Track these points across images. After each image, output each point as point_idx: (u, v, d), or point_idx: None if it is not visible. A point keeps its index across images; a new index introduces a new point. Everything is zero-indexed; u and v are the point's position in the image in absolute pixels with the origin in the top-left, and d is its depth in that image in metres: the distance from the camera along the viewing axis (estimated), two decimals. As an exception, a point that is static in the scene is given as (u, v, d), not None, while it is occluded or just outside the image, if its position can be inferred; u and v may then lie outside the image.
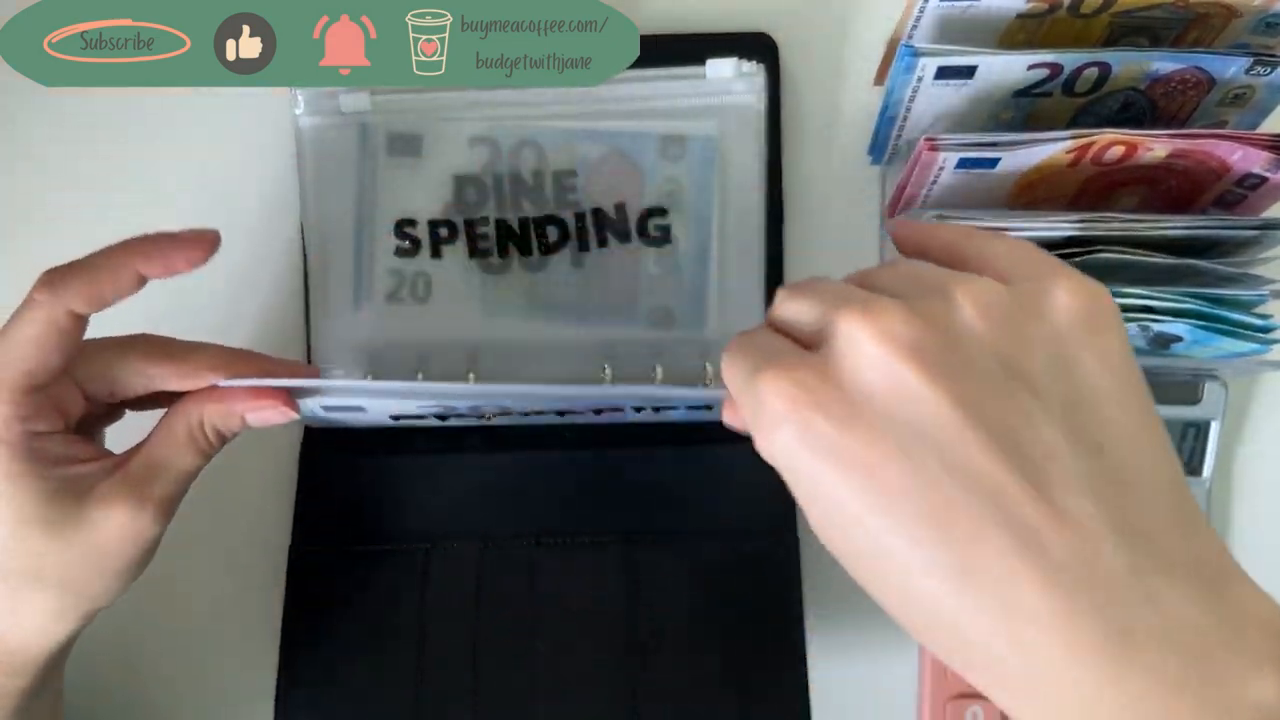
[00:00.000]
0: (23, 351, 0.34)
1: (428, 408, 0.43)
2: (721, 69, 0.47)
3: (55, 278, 0.35)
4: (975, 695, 0.46)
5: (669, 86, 0.48)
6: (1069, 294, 0.26)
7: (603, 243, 0.47)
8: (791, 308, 0.29)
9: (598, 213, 0.47)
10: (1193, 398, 0.45)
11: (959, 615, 0.24)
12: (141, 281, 0.36)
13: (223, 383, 0.37)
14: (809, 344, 0.28)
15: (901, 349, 0.25)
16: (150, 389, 0.38)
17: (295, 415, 0.39)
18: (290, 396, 0.39)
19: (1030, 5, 0.41)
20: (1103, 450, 0.25)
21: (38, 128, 0.51)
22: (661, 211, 0.47)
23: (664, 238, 0.47)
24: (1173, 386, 0.45)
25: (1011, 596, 0.23)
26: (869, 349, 0.25)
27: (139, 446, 0.38)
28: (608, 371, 0.47)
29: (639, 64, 0.47)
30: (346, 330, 0.47)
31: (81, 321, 0.35)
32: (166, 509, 0.37)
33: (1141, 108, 0.42)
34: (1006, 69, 0.40)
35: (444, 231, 0.47)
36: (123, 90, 0.51)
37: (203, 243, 0.38)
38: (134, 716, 0.47)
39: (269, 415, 0.38)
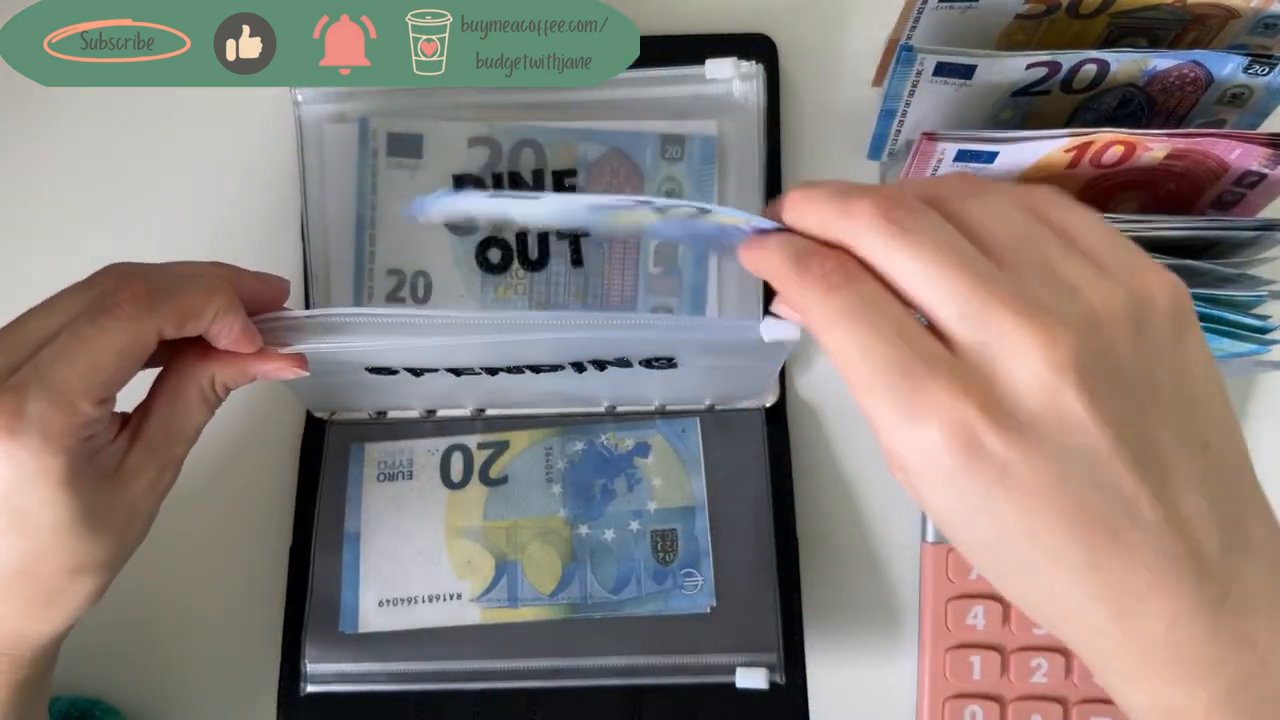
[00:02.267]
0: (103, 361, 0.32)
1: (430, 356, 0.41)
2: (720, 69, 0.47)
3: (151, 295, 0.33)
4: (974, 695, 0.46)
5: (668, 86, 0.48)
6: (1166, 292, 0.27)
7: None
8: (915, 268, 0.27)
9: None
10: (1191, 398, 0.45)
11: (1085, 604, 0.27)
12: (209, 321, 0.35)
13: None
14: (941, 326, 0.27)
15: (1070, 376, 0.25)
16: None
17: (305, 372, 0.38)
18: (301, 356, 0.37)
19: (1028, 6, 0.41)
20: (1209, 447, 0.27)
21: (38, 127, 0.51)
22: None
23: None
24: (1171, 386, 0.45)
25: (1129, 585, 0.26)
26: (1041, 374, 0.25)
27: (148, 409, 0.36)
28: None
29: (639, 64, 0.47)
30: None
31: (158, 344, 0.34)
32: (182, 462, 0.37)
33: (1140, 104, 0.43)
34: (1005, 69, 0.40)
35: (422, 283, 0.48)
36: (122, 90, 0.51)
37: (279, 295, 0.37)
38: (136, 714, 0.47)
39: (282, 374, 0.37)
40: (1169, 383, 0.27)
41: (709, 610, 0.45)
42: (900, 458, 0.27)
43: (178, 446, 0.36)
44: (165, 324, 0.33)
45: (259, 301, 0.36)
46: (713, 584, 0.45)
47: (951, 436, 0.26)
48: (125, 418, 0.36)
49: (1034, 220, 0.28)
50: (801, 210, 0.29)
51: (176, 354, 0.36)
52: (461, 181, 0.48)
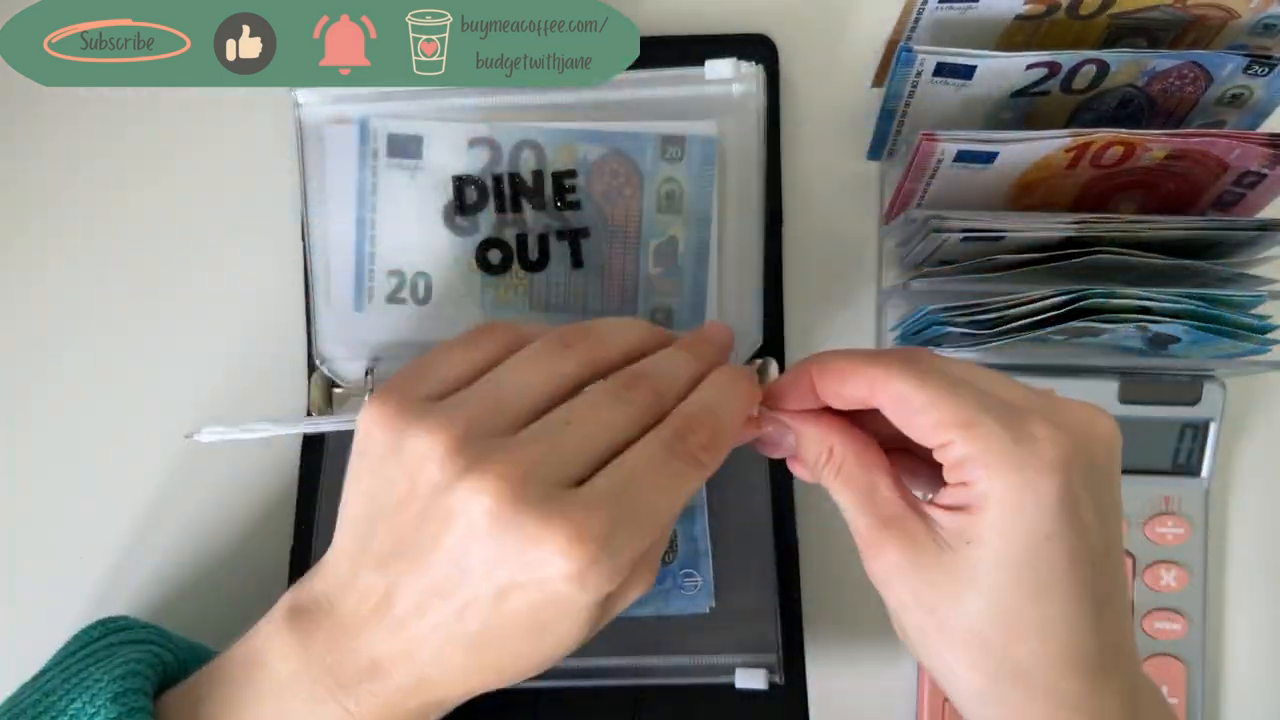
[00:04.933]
0: (675, 512, 0.33)
1: None
2: (720, 70, 0.47)
3: (717, 445, 0.33)
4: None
5: (668, 87, 0.48)
6: (1112, 428, 0.34)
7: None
8: (982, 374, 0.33)
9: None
10: (1191, 398, 0.45)
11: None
12: None
13: None
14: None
15: (1118, 456, 0.33)
16: None
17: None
18: None
19: (1028, 7, 0.41)
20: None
21: (39, 128, 0.51)
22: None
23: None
24: (1171, 387, 0.45)
25: (1107, 685, 0.31)
26: (1108, 441, 0.32)
27: None
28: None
29: (639, 65, 0.47)
30: (347, 330, 0.47)
31: None
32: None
33: (1139, 104, 0.43)
34: (1005, 69, 0.40)
35: (423, 284, 0.48)
36: (123, 90, 0.51)
37: None
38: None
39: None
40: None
41: (708, 611, 0.45)
42: (995, 482, 0.30)
43: (664, 543, 0.35)
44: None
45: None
46: (712, 585, 0.45)
47: (1058, 459, 0.30)
48: None
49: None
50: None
51: None
52: (462, 182, 0.48)
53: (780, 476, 0.47)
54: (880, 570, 0.32)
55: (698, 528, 0.46)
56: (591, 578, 0.30)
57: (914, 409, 0.31)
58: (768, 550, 0.46)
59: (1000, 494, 0.30)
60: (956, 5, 0.41)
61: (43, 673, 0.37)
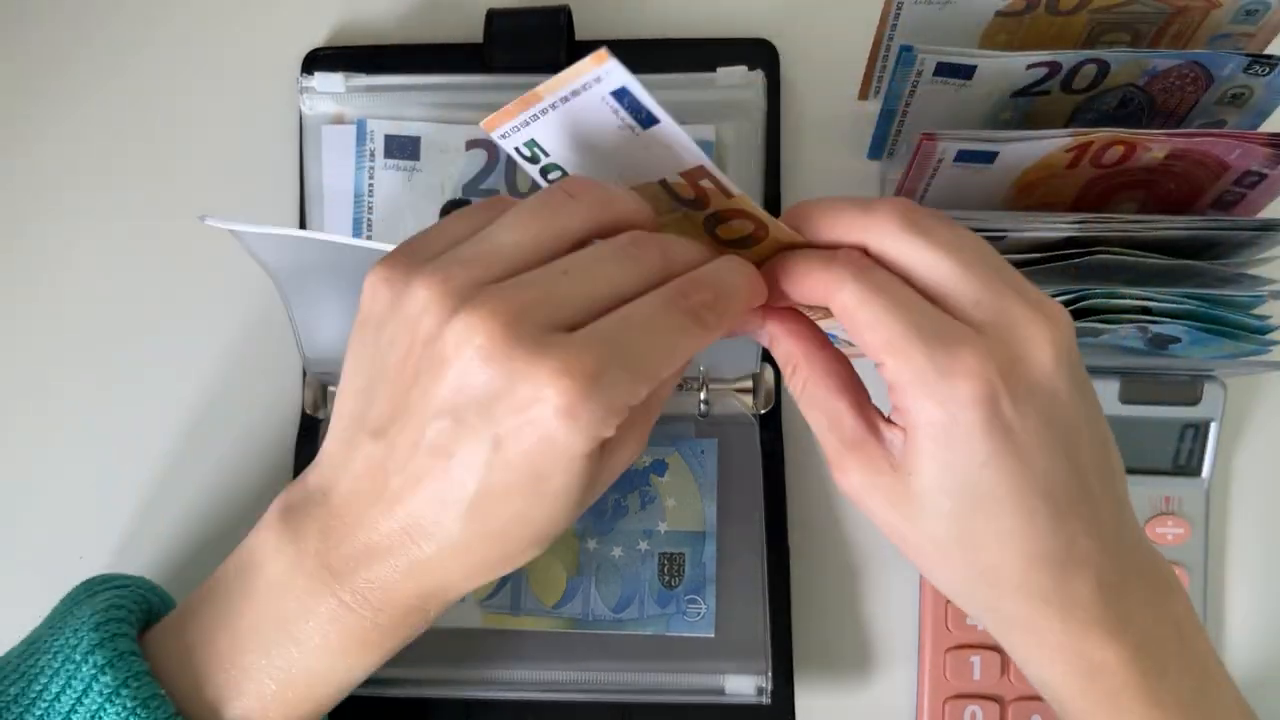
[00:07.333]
0: (676, 364, 0.31)
1: None
2: (732, 76, 0.47)
3: (719, 308, 0.32)
4: (974, 695, 0.45)
5: (669, 91, 0.48)
6: (1068, 319, 0.32)
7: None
8: (940, 269, 0.31)
9: None
10: (1192, 398, 0.45)
11: (1029, 571, 0.31)
12: None
13: None
14: (953, 308, 0.31)
15: (1065, 361, 0.30)
16: None
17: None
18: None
19: (1008, 3, 0.41)
20: (1107, 444, 0.33)
21: (45, 127, 0.51)
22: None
23: None
24: (1172, 387, 0.45)
25: (1073, 552, 0.31)
26: (1050, 355, 0.30)
27: None
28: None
29: (640, 68, 0.47)
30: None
31: None
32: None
33: (1140, 104, 0.43)
34: (1005, 69, 0.40)
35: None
36: (125, 92, 0.51)
37: None
38: None
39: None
40: (1086, 389, 0.32)
41: (709, 638, 0.44)
42: (920, 414, 0.30)
43: (655, 414, 0.34)
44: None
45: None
46: (714, 613, 0.45)
47: (979, 392, 0.29)
48: None
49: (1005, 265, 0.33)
50: (829, 218, 0.32)
51: None
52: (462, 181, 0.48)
53: (773, 484, 0.47)
54: (847, 489, 0.33)
55: (706, 553, 0.45)
56: (583, 413, 0.29)
57: (858, 325, 0.31)
58: (759, 562, 0.45)
59: (926, 425, 0.30)
60: (934, 1, 0.41)
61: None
